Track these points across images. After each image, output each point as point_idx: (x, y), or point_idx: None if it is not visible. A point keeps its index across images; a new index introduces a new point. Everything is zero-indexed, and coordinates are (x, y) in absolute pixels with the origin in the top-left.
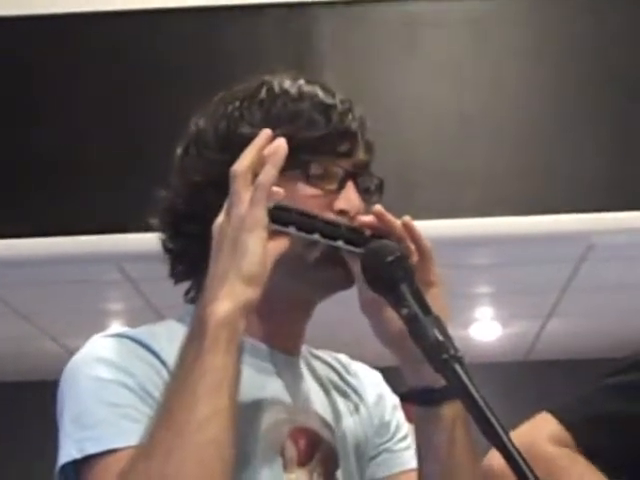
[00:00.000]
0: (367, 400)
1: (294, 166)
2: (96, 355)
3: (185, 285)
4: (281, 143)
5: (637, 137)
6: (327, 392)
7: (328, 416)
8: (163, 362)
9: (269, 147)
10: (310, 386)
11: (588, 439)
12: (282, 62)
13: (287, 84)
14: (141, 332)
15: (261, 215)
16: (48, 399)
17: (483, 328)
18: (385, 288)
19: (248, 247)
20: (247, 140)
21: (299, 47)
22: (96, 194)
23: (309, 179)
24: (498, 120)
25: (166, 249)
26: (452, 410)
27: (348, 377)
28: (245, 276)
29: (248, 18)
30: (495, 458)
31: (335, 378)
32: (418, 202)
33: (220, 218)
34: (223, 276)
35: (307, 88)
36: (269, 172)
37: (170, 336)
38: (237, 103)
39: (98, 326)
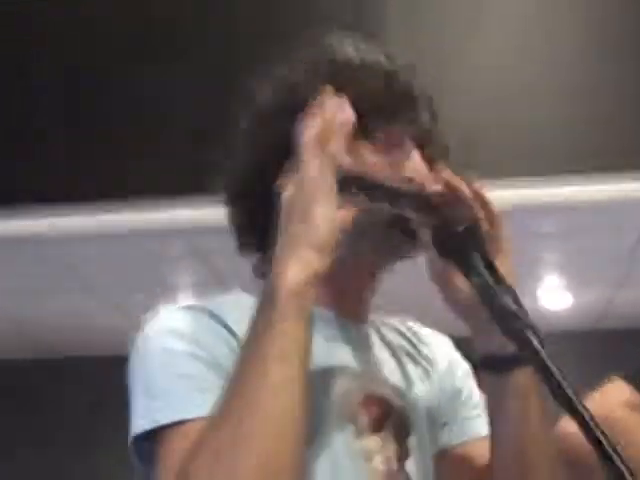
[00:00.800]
0: (438, 366)
1: (361, 134)
2: (166, 327)
3: (253, 259)
4: (348, 112)
5: None
6: (398, 359)
7: (399, 383)
8: (233, 333)
9: (337, 116)
10: (380, 353)
11: None
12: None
13: (349, 51)
14: (210, 303)
15: (330, 184)
16: (116, 374)
17: (553, 296)
18: (456, 257)
19: (317, 216)
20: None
21: (365, 11)
22: (161, 168)
23: (375, 147)
24: (565, 81)
25: (233, 222)
26: (524, 378)
27: (419, 344)
28: (315, 244)
29: None
30: (568, 427)
31: (405, 344)
32: (484, 163)
33: (289, 186)
34: (293, 245)
35: (370, 56)
36: (337, 141)
37: (239, 307)
38: (301, 73)
39: (166, 300)
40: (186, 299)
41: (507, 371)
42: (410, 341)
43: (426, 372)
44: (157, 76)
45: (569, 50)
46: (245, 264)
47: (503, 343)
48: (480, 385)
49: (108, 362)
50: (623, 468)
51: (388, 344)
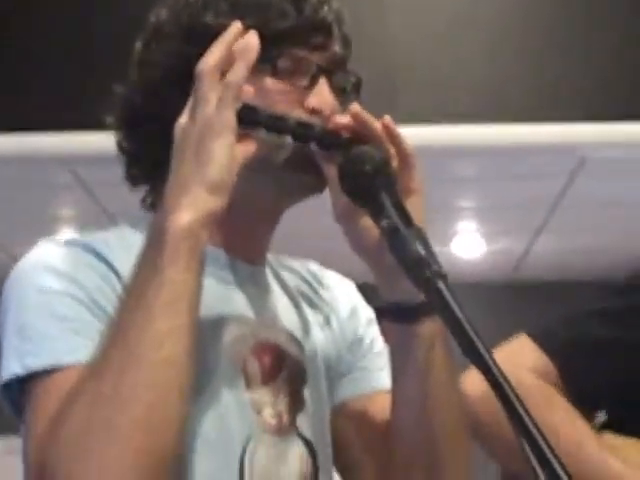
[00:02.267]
0: (340, 312)
1: (262, 60)
2: (43, 263)
3: (141, 191)
4: (253, 38)
5: (637, 45)
6: (296, 304)
7: (296, 330)
8: (116, 272)
9: (239, 42)
10: (277, 298)
11: (568, 366)
12: None
13: None
14: (93, 239)
15: (229, 117)
16: None
17: (466, 244)
18: (364, 197)
19: (214, 152)
20: (212, 31)
21: None
22: (47, 89)
23: (278, 73)
24: (492, 23)
25: (121, 149)
26: (431, 327)
27: (320, 287)
28: (210, 184)
29: None
30: (470, 382)
31: (305, 288)
32: (400, 106)
33: (183, 119)
34: (186, 184)
35: None
36: (239, 71)
37: (124, 244)
38: None
39: (47, 233)
40: (69, 233)
41: (413, 320)
42: (310, 285)
43: (326, 318)
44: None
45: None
46: (133, 197)
47: (410, 290)
48: (384, 334)
49: None
50: (533, 427)
51: (286, 288)
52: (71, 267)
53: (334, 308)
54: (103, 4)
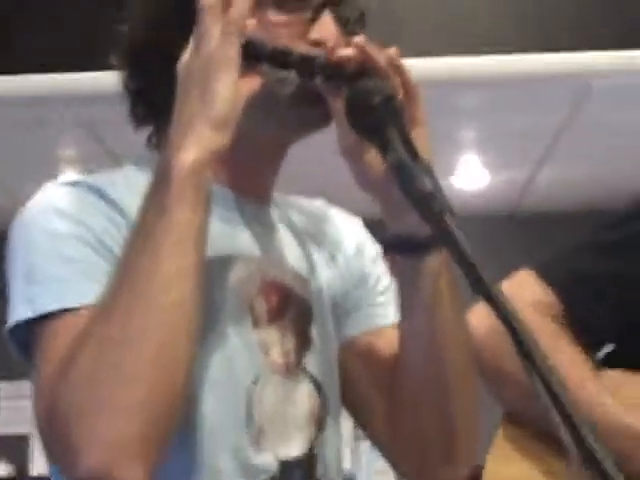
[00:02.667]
0: (346, 250)
1: None
2: (50, 206)
3: (146, 131)
4: None
5: None
6: (302, 242)
7: (303, 269)
8: (123, 213)
9: None
10: (283, 236)
11: (572, 298)
12: None
13: None
14: (99, 180)
15: (232, 53)
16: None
17: (469, 176)
18: (371, 131)
19: (217, 89)
20: None
21: None
22: (47, 30)
23: (281, 6)
24: None
25: (126, 88)
26: (437, 260)
27: (325, 225)
28: (214, 121)
29: None
30: (476, 318)
31: (311, 227)
32: (402, 39)
33: (186, 55)
34: (190, 121)
35: None
36: (242, 5)
37: (129, 184)
38: None
39: (50, 174)
40: (72, 174)
41: (420, 253)
42: (316, 223)
43: (332, 256)
44: None
45: None
46: (138, 137)
47: (417, 224)
48: (391, 269)
49: None
50: (543, 365)
51: (292, 226)
52: (77, 209)
53: (340, 245)
54: None
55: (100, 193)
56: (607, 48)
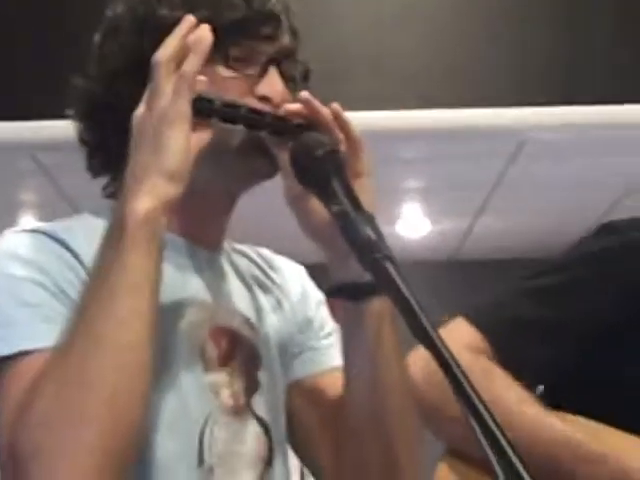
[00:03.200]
0: (290, 296)
1: (215, 50)
2: (9, 251)
3: (104, 178)
4: (205, 31)
5: (574, 30)
6: (249, 289)
7: (251, 314)
8: (80, 260)
9: (193, 35)
10: (232, 283)
11: (501, 343)
12: None
13: None
14: (57, 227)
15: (184, 107)
16: None
17: (411, 224)
18: (315, 182)
19: (170, 141)
20: (166, 23)
21: None
22: (10, 78)
23: (229, 63)
24: (434, 11)
25: (82, 140)
26: (379, 306)
27: (271, 272)
28: (167, 172)
29: None
30: (415, 361)
31: (258, 273)
32: (347, 92)
33: (140, 109)
34: (143, 172)
35: None
36: (193, 62)
37: (87, 232)
38: None
39: (9, 218)
40: (30, 219)
41: (363, 299)
42: (263, 269)
43: (278, 301)
44: None
45: None
46: (94, 183)
47: (360, 270)
48: (334, 313)
49: None
50: (478, 402)
51: (240, 273)
52: (36, 254)
53: (285, 291)
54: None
55: (59, 240)
56: (541, 104)
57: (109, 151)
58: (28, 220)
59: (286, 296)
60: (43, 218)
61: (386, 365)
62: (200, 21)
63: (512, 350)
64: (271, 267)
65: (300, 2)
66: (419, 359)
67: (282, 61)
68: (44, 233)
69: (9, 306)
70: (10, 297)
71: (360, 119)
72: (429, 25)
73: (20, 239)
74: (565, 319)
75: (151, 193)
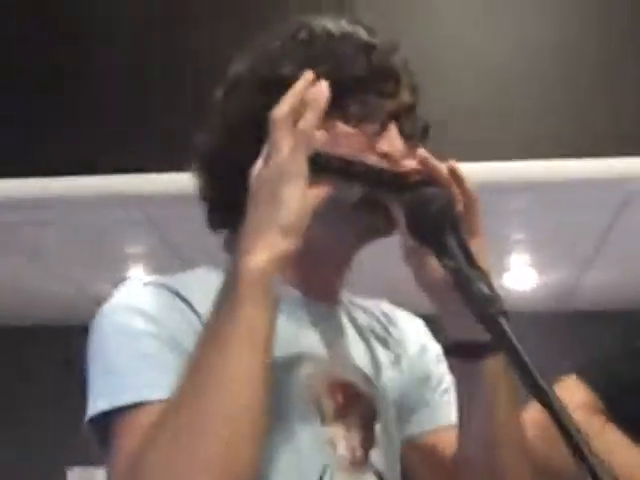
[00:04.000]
0: (409, 351)
1: (334, 106)
2: (127, 304)
3: (207, 231)
4: (323, 87)
5: None
6: (367, 342)
7: (368, 368)
8: (196, 312)
9: (311, 91)
10: (349, 336)
11: (614, 402)
12: (321, 4)
13: (328, 24)
14: (174, 280)
15: (301, 164)
16: (68, 343)
17: (519, 276)
18: (430, 238)
19: (287, 197)
20: (287, 81)
21: None
22: (119, 133)
23: (349, 119)
24: (542, 64)
25: (202, 196)
26: (494, 365)
27: (390, 326)
28: (283, 227)
29: None
30: (530, 418)
31: (376, 327)
32: (456, 144)
33: (258, 165)
34: (260, 227)
35: (348, 28)
36: (310, 118)
37: (203, 285)
38: (277, 44)
39: (119, 270)
40: (138, 271)
41: (478, 358)
42: (382, 324)
43: (397, 356)
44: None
45: (541, 35)
46: (200, 236)
47: (474, 328)
48: (451, 370)
49: (59, 331)
50: (595, 462)
51: (358, 327)
52: (153, 307)
53: (404, 346)
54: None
55: (175, 293)
56: None
57: (228, 206)
58: (136, 272)
59: (405, 351)
60: (151, 270)
61: (501, 423)
62: (320, 76)
63: (626, 410)
64: (390, 321)
65: (415, 56)
66: (534, 414)
67: (402, 117)
68: (162, 286)
69: (127, 358)
70: (128, 349)
71: (468, 170)
72: (535, 78)
73: (138, 291)
74: None
75: (267, 248)
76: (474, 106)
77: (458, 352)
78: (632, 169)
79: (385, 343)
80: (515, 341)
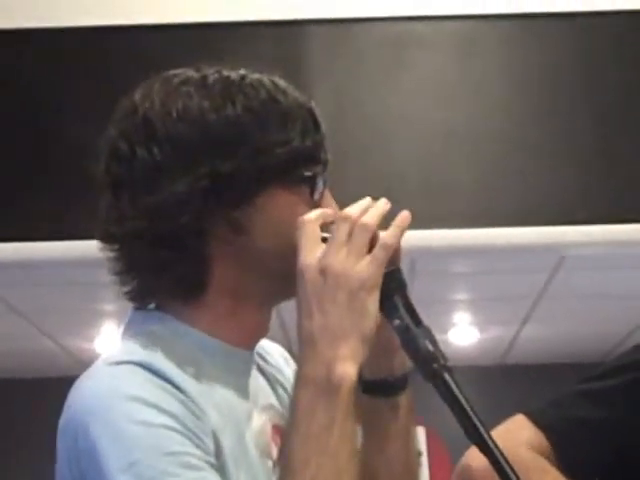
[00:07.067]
0: (288, 376)
1: (297, 180)
2: (123, 392)
3: None
4: (407, 215)
5: (612, 152)
6: (268, 381)
7: (281, 408)
8: (182, 390)
9: (401, 215)
10: (259, 379)
11: (561, 441)
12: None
13: (271, 85)
14: (148, 358)
15: (379, 276)
16: (44, 395)
17: (461, 333)
18: (381, 300)
19: (371, 307)
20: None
21: (289, 64)
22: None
23: (313, 194)
24: (479, 136)
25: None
26: (407, 399)
27: (269, 358)
28: (365, 336)
29: (241, 35)
30: (474, 459)
31: (262, 363)
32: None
33: (313, 260)
34: (344, 334)
35: (289, 89)
36: (395, 235)
37: (174, 359)
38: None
39: (92, 325)
40: (111, 326)
41: (396, 393)
42: (264, 358)
43: (283, 388)
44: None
45: (490, 102)
46: None
47: (390, 367)
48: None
49: (36, 384)
50: None
51: (259, 368)
52: (152, 395)
53: (283, 374)
54: None
55: (163, 376)
56: (583, 222)
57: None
58: (108, 326)
59: (285, 378)
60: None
61: (406, 458)
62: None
63: (568, 447)
64: (267, 352)
65: (354, 125)
66: (477, 454)
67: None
68: (141, 366)
69: (153, 457)
70: (151, 447)
71: (415, 237)
72: (474, 155)
73: (124, 375)
74: (622, 419)
75: (354, 358)
76: (420, 178)
77: (377, 389)
78: (565, 236)
79: (275, 379)
80: (458, 392)
